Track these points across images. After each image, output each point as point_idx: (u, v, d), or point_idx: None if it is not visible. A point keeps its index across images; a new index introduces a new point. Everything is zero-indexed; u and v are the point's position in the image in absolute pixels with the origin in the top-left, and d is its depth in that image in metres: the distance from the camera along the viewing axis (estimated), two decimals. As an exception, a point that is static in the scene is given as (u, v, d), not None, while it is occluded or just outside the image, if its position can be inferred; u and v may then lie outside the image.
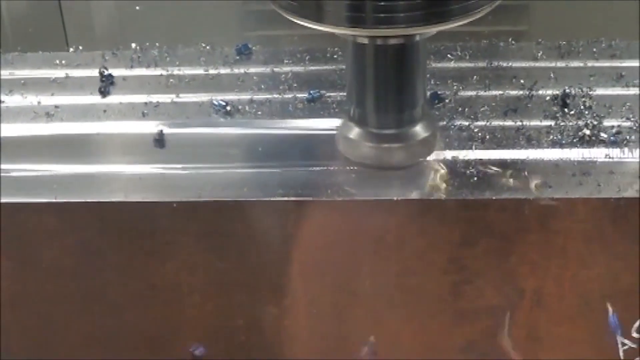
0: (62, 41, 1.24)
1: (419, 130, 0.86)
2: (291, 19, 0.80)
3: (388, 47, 0.82)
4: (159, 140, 0.91)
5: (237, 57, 1.02)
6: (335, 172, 0.87)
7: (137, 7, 1.28)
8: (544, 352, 0.90)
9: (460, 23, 0.79)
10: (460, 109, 0.93)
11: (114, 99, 0.97)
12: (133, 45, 1.04)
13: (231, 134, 0.92)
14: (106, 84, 0.98)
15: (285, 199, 0.83)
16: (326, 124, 0.92)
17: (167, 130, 0.91)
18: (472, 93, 0.95)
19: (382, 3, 0.76)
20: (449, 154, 0.88)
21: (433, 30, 0.79)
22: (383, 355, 0.90)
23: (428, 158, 0.87)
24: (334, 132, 0.90)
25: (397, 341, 0.89)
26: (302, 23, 0.80)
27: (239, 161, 0.88)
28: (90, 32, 1.32)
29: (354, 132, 0.86)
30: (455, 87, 0.96)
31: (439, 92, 0.95)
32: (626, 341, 0.89)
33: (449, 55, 1.01)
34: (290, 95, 0.96)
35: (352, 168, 0.86)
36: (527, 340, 0.89)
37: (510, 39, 1.02)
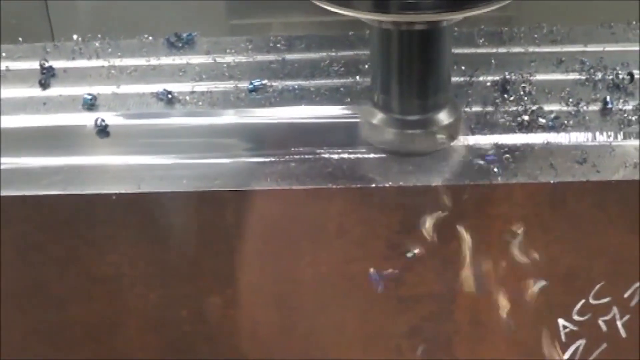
0: (47, 32, 1.24)
1: (443, 116, 0.86)
2: (318, 4, 0.81)
3: (413, 32, 0.82)
4: (103, 130, 0.91)
5: (180, 46, 1.02)
6: (277, 162, 0.86)
7: None
8: (487, 336, 0.91)
9: (488, 9, 0.79)
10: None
11: (54, 91, 0.96)
12: (75, 36, 1.03)
13: (171, 125, 0.91)
14: (47, 76, 0.97)
15: (224, 189, 0.83)
16: (268, 113, 0.92)
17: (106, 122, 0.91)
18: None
19: None
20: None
21: (459, 16, 0.79)
22: (327, 344, 0.91)
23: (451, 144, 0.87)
24: (275, 121, 0.90)
25: (340, 329, 0.90)
26: (328, 8, 0.80)
27: (178, 152, 0.87)
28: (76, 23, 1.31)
29: (378, 118, 0.86)
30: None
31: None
32: (567, 324, 0.90)
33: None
34: (231, 85, 0.96)
35: (292, 157, 0.86)
36: (470, 325, 0.90)
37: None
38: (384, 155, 0.86)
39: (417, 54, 0.83)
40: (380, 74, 0.86)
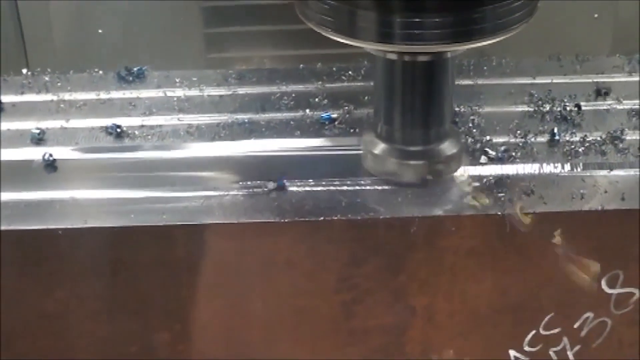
0: (22, 63, 1.23)
1: (446, 147, 0.86)
2: (323, 33, 0.81)
3: (417, 63, 0.82)
4: (50, 164, 0.90)
5: (131, 80, 1.02)
6: (225, 195, 0.86)
7: (100, 31, 1.28)
8: (439, 368, 0.91)
9: (491, 41, 0.79)
10: (351, 129, 0.94)
11: (2, 125, 0.95)
12: (24, 70, 1.03)
13: (119, 159, 0.91)
14: (-6, 111, 0.97)
15: (172, 223, 0.83)
16: (217, 147, 0.92)
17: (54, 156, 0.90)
18: (364, 113, 0.96)
19: (413, 20, 0.77)
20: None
21: (463, 47, 0.79)
22: (278, 378, 0.90)
23: (454, 175, 0.88)
24: (223, 155, 0.90)
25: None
26: (334, 38, 0.80)
27: (125, 186, 0.87)
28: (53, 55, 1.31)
29: (380, 148, 0.86)
30: (346, 108, 0.96)
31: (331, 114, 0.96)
32: (519, 354, 0.90)
33: (342, 76, 1.02)
34: (183, 119, 0.96)
35: (241, 191, 0.86)
36: (421, 357, 0.90)
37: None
38: (332, 187, 0.87)
39: (420, 85, 0.83)
40: (383, 103, 0.86)
